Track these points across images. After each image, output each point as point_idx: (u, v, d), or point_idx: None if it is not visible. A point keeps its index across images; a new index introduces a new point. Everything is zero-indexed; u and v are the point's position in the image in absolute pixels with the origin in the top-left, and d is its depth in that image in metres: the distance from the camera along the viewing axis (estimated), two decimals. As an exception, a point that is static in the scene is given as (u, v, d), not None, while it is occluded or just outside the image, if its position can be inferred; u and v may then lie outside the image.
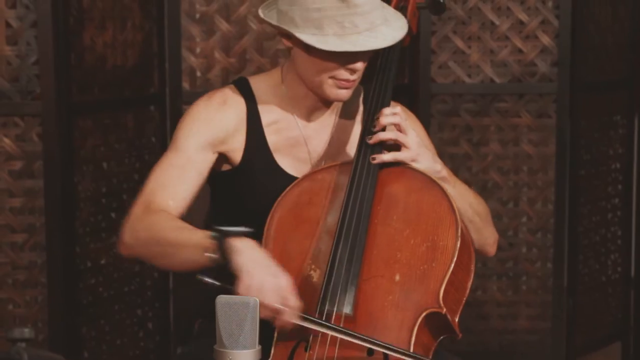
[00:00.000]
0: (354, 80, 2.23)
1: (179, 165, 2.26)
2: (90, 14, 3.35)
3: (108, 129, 3.44)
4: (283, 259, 2.13)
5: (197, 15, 3.63)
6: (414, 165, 2.22)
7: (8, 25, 3.23)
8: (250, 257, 2.01)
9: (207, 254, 2.04)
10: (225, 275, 2.02)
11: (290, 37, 2.21)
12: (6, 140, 3.28)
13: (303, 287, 2.11)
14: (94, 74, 3.38)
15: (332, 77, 2.22)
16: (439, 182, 2.20)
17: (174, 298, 3.66)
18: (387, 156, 2.22)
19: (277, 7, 2.23)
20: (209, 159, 2.29)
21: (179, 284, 3.60)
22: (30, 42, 3.24)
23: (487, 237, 2.37)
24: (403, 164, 2.23)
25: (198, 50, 3.64)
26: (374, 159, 2.21)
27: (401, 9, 2.33)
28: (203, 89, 3.54)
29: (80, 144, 3.35)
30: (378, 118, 2.23)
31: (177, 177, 2.25)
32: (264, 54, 3.64)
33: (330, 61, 2.19)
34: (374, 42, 2.16)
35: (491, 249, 2.40)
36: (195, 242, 2.07)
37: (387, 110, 2.23)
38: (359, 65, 2.21)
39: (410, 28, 2.32)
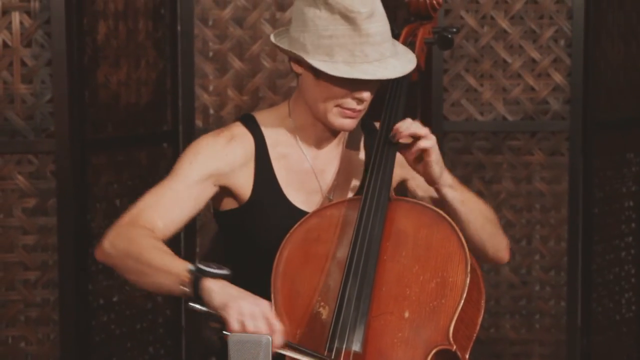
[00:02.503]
0: (359, 111, 2.25)
1: (175, 190, 2.26)
2: (105, 52, 3.38)
3: (121, 166, 3.46)
4: (292, 296, 2.14)
5: (211, 54, 3.65)
6: (429, 157, 2.22)
7: (23, 63, 3.26)
8: (228, 292, 2.00)
9: (181, 287, 2.04)
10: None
11: (300, 62, 2.23)
12: (20, 177, 3.29)
13: (312, 324, 2.11)
14: (107, 111, 3.41)
15: (338, 106, 2.23)
16: (448, 218, 2.20)
17: (186, 335, 3.66)
18: (406, 132, 2.24)
19: (288, 34, 2.25)
20: (208, 191, 2.29)
21: (191, 321, 3.60)
22: (45, 80, 3.27)
23: (500, 242, 2.40)
24: (411, 201, 2.25)
25: (211, 88, 3.66)
26: (394, 136, 2.23)
27: (409, 44, 2.35)
28: (216, 126, 3.55)
29: (93, 181, 3.36)
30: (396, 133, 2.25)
31: (171, 201, 2.25)
32: (277, 91, 3.65)
33: (338, 88, 2.20)
34: (384, 72, 2.18)
35: (505, 254, 2.43)
36: (173, 270, 2.07)
37: (403, 125, 2.25)
38: (366, 95, 2.23)
39: (418, 64, 2.33)
